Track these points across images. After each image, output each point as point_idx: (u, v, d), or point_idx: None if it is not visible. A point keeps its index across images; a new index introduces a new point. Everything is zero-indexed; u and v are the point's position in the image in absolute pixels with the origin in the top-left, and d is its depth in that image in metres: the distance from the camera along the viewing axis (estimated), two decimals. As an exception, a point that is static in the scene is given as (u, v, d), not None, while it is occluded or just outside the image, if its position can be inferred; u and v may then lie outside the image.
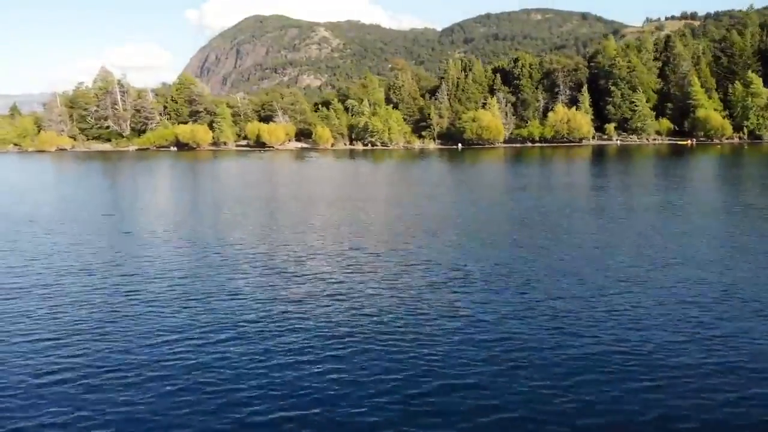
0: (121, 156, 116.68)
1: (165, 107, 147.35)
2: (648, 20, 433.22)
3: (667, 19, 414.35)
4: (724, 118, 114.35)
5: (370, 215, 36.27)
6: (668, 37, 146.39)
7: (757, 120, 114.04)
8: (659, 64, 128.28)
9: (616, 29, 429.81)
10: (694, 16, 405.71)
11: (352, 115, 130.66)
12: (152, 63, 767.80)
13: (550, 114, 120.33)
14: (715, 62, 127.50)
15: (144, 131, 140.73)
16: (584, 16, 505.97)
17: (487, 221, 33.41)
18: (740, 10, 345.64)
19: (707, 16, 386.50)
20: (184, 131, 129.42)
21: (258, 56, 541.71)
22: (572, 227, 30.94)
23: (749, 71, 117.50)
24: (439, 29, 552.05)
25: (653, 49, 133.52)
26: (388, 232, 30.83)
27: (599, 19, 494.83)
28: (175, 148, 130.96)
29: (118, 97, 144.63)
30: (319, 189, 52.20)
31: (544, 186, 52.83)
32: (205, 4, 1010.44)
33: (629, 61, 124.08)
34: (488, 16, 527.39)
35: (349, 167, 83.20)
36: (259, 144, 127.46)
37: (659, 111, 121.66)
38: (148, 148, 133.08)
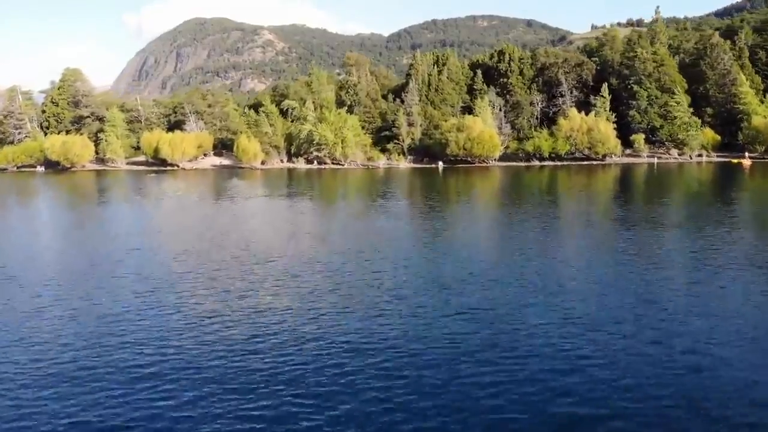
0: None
1: (43, 111, 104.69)
2: (594, 27, 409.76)
3: (612, 26, 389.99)
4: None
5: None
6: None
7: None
8: (677, 59, 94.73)
9: (562, 36, 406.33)
10: (640, 23, 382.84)
11: (291, 121, 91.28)
12: (88, 67, 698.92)
13: (561, 121, 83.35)
14: (750, 58, 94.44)
15: (13, 144, 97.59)
16: (529, 23, 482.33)
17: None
18: (684, 16, 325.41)
19: (653, 22, 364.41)
20: (54, 145, 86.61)
21: (199, 59, 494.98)
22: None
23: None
24: (386, 35, 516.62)
25: (667, 41, 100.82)
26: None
27: (544, 26, 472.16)
28: (43, 168, 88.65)
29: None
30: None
31: None
32: (145, 8, 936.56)
33: (655, 53, 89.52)
34: (435, 22, 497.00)
35: (264, 218, 44.01)
36: (159, 161, 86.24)
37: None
38: (5, 169, 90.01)
